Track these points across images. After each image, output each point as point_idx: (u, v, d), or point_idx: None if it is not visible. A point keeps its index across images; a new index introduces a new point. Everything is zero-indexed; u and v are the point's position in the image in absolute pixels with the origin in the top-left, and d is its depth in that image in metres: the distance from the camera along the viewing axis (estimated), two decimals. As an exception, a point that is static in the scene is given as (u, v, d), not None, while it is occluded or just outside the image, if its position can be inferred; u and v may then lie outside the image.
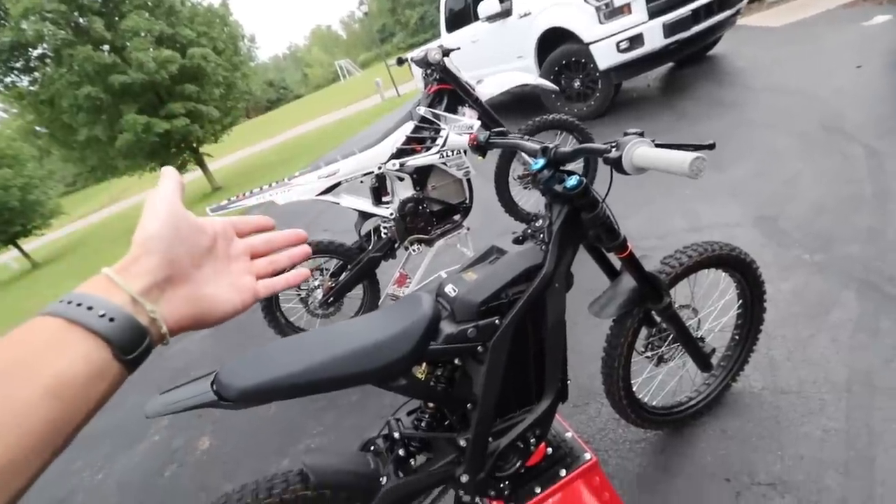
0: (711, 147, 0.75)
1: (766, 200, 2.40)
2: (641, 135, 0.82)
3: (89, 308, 0.33)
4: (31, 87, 10.00)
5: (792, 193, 2.38)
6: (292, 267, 0.50)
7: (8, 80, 9.97)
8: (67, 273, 9.37)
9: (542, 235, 1.04)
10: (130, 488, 2.23)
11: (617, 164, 0.82)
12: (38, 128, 11.04)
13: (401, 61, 2.73)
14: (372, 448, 1.12)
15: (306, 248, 0.51)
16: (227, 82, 11.27)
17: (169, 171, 0.44)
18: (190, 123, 10.30)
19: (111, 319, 0.34)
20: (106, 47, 9.78)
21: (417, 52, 2.42)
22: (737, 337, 1.47)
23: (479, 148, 1.20)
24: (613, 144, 0.84)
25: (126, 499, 2.17)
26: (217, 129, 11.51)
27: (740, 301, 1.43)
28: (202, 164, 11.86)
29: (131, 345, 0.34)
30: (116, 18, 9.77)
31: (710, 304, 1.50)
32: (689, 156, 0.72)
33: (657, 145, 0.80)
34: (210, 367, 0.92)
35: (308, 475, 0.97)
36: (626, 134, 0.84)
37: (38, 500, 2.44)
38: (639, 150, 0.79)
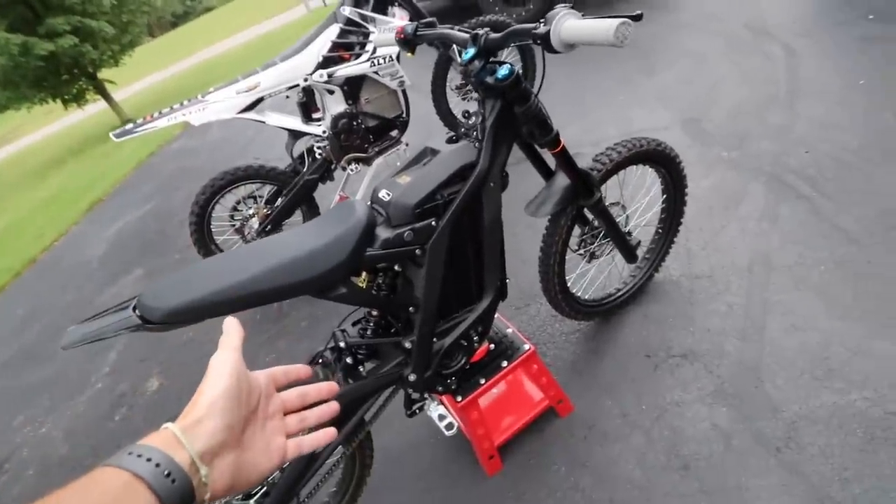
0: (638, 18, 0.73)
1: (692, 104, 2.49)
2: (571, 7, 0.79)
3: (157, 465, 0.34)
4: None
5: (716, 96, 2.47)
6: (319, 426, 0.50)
7: None
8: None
9: (475, 133, 1.02)
10: (79, 435, 2.19)
11: (546, 41, 0.79)
12: None
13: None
14: (320, 361, 1.14)
15: (334, 406, 0.52)
16: (117, -10, 9.54)
17: (232, 325, 0.46)
18: (80, 43, 8.77)
19: (173, 481, 0.34)
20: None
21: (337, -56, 2.14)
22: (660, 230, 1.58)
23: (407, 42, 1.12)
24: (542, 21, 0.81)
25: (76, 446, 2.14)
26: (115, 50, 9.88)
27: (664, 196, 1.52)
28: (104, 94, 10.35)
29: (174, 493, 0.34)
30: None
31: (637, 201, 1.59)
32: (615, 22, 0.70)
33: (584, 18, 0.77)
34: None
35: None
36: (554, 8, 0.80)
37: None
38: (566, 23, 0.76)
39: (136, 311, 0.78)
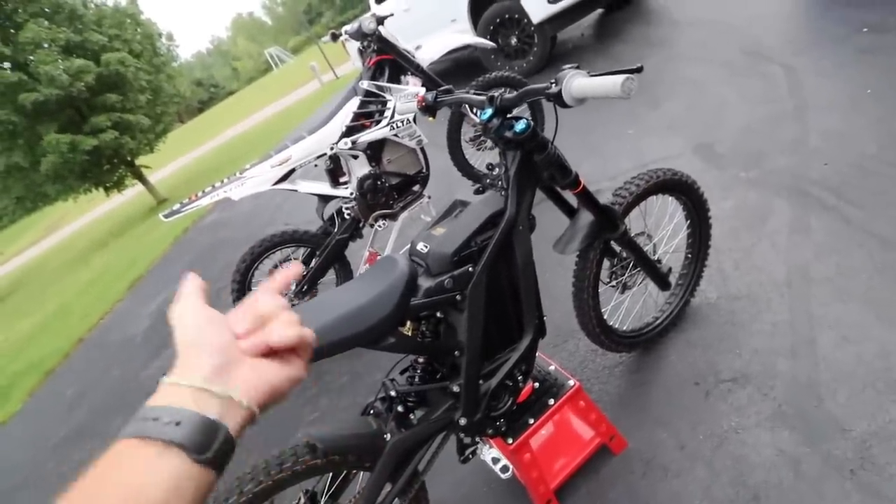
0: (639, 70, 0.81)
1: (701, 129, 2.55)
2: (577, 67, 0.88)
3: (155, 419, 0.34)
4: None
5: (723, 119, 2.54)
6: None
7: None
8: (14, 314, 8.77)
9: (500, 183, 1.10)
10: None
11: (558, 98, 0.88)
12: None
13: (335, 37, 2.66)
14: (372, 411, 1.17)
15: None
16: (151, 87, 10.53)
17: (189, 277, 0.45)
18: (119, 136, 9.61)
19: (177, 423, 0.33)
20: (7, 65, 8.91)
21: (350, 26, 2.37)
22: (689, 255, 1.60)
23: (428, 108, 1.23)
24: (553, 81, 0.89)
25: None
26: (150, 138, 10.80)
27: (688, 221, 1.55)
28: (141, 178, 11.18)
29: (204, 442, 0.33)
30: (12, 31, 8.88)
31: (662, 229, 1.62)
32: (620, 78, 0.78)
33: (591, 75, 0.86)
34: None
35: (315, 445, 1.01)
36: (562, 69, 0.89)
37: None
38: (576, 82, 0.85)
39: None
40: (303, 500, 1.11)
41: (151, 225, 8.65)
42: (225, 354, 0.38)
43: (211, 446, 0.34)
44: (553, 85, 0.88)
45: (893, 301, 1.36)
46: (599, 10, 5.29)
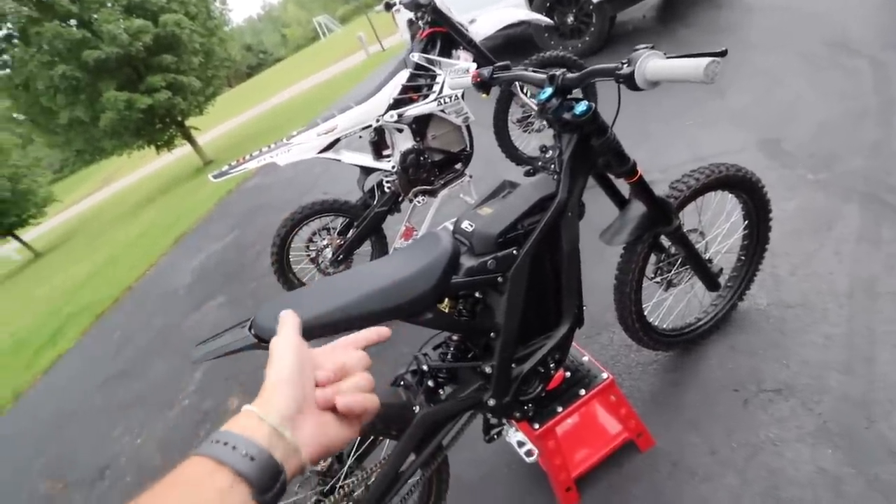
0: (723, 54, 0.75)
1: (769, 123, 2.38)
2: (652, 48, 0.82)
3: (234, 448, 0.36)
4: (3, 72, 9.62)
5: (795, 114, 2.35)
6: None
7: (-24, 65, 9.60)
8: (70, 259, 9.42)
9: (553, 166, 1.06)
10: (169, 448, 2.37)
11: (629, 81, 0.82)
12: (16, 115, 10.73)
13: (388, 6, 2.62)
14: (402, 383, 1.18)
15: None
16: (204, 49, 10.79)
17: (287, 316, 0.50)
18: (172, 96, 9.96)
19: (251, 458, 0.36)
20: (73, 22, 9.31)
21: (405, -5, 2.32)
22: (743, 257, 1.51)
23: (483, 84, 1.19)
24: (624, 62, 0.84)
25: (167, 457, 2.31)
26: (201, 101, 11.15)
27: (746, 221, 1.46)
28: (190, 139, 11.60)
29: (268, 483, 0.36)
30: (80, -11, 9.24)
31: (717, 227, 1.54)
32: (704, 60, 0.72)
33: (668, 57, 0.80)
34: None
35: (346, 408, 1.03)
36: (636, 49, 0.83)
37: (83, 468, 2.60)
38: (651, 62, 0.79)
39: (252, 331, 0.87)
40: (329, 459, 1.14)
41: (197, 185, 9.00)
42: (301, 401, 0.41)
43: (272, 489, 0.36)
44: (625, 65, 0.83)
45: (969, 325, 1.25)
46: (664, -9, 4.97)
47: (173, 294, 4.37)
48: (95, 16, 9.16)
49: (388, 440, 1.18)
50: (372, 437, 1.16)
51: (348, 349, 0.49)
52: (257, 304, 3.24)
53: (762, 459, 1.21)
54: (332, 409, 0.43)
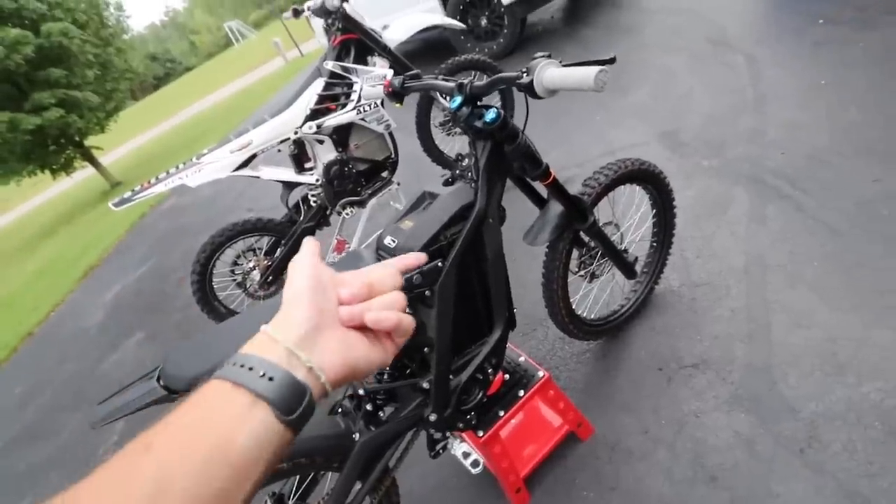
0: (612, 61, 0.79)
1: (666, 117, 2.59)
2: (549, 57, 0.85)
3: (251, 369, 0.34)
4: None
5: (687, 107, 2.58)
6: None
7: None
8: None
9: (469, 174, 1.07)
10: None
11: (529, 89, 0.85)
12: None
13: (297, 13, 2.53)
14: (339, 410, 1.14)
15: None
16: (100, 61, 9.80)
17: (309, 241, 0.46)
18: (66, 114, 8.94)
19: (270, 379, 0.34)
20: (-71, 33, 8.07)
21: (314, 1, 2.25)
22: (654, 244, 1.63)
23: (395, 94, 1.18)
24: (524, 70, 0.86)
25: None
26: (101, 117, 10.09)
27: (654, 211, 1.57)
28: (92, 160, 10.49)
29: (292, 403, 0.34)
30: (-66, -5, 8.03)
31: (629, 218, 1.64)
32: (593, 70, 0.76)
33: (564, 65, 0.83)
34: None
35: (279, 447, 0.98)
36: (534, 58, 0.86)
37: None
38: (548, 72, 0.82)
39: (161, 382, 0.80)
40: (269, 503, 1.08)
41: (104, 210, 8.16)
42: (323, 316, 0.39)
43: (297, 409, 0.34)
44: (525, 75, 0.85)
45: (839, 287, 1.44)
46: (569, -7, 5.26)
47: (84, 335, 3.93)
48: (-42, 26, 8.00)
49: (330, 473, 1.13)
50: (313, 474, 1.11)
51: (383, 269, 0.45)
52: (184, 337, 3.00)
53: (688, 432, 1.30)
54: (360, 328, 0.40)
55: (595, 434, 1.41)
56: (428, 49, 6.17)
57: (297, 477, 1.08)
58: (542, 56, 0.86)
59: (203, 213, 4.98)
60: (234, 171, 2.05)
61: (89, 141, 10.34)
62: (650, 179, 1.46)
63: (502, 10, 4.23)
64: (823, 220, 1.64)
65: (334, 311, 0.40)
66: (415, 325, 0.43)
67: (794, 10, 2.98)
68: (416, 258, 0.51)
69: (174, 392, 0.78)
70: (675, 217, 1.60)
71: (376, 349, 0.41)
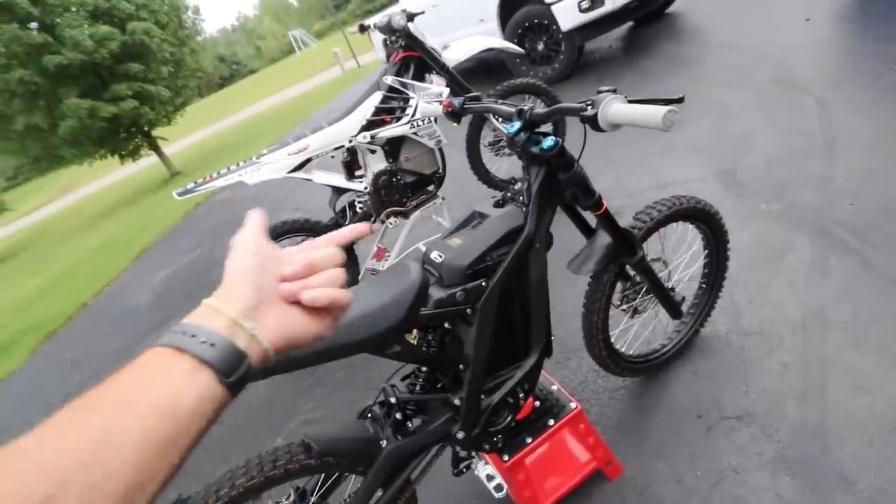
0: (680, 101, 0.78)
1: (725, 155, 2.50)
2: (614, 91, 0.85)
3: (193, 336, 0.37)
4: (-45, 74, 9.12)
5: (748, 147, 2.49)
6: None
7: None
8: (22, 271, 8.87)
9: (521, 198, 1.07)
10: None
11: (593, 122, 0.85)
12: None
13: (363, 28, 2.64)
14: (370, 415, 1.16)
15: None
16: (174, 59, 10.57)
17: (253, 214, 0.48)
18: (139, 105, 9.67)
19: (212, 345, 0.37)
20: (34, 25, 8.96)
21: (380, 18, 2.35)
22: (704, 285, 1.57)
23: (454, 114, 1.21)
24: (588, 103, 0.87)
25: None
26: (169, 111, 10.86)
27: (706, 251, 1.52)
28: (157, 149, 11.25)
29: (231, 367, 0.37)
30: (41, -8, 8.93)
31: (679, 256, 1.59)
32: (662, 109, 0.75)
33: (630, 101, 0.83)
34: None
35: (310, 445, 1.00)
36: (599, 92, 0.86)
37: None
38: (613, 107, 0.82)
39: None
40: (292, 497, 1.10)
41: (163, 196, 8.69)
42: (263, 293, 0.41)
43: (235, 372, 0.37)
44: (589, 107, 0.86)
45: (910, 353, 1.33)
46: (629, 24, 5.22)
47: (133, 312, 4.17)
48: (58, 20, 8.84)
49: (353, 475, 1.14)
50: (337, 474, 1.12)
51: (323, 247, 0.47)
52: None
53: (725, 487, 1.23)
54: (300, 303, 0.43)
55: (624, 475, 1.35)
56: (482, 68, 6.27)
57: (323, 476, 1.09)
58: (608, 90, 0.86)
59: (251, 209, 5.21)
60: (290, 172, 2.14)
61: (156, 131, 11.11)
62: (705, 219, 1.41)
63: (560, 36, 4.25)
64: (894, 278, 1.53)
65: (275, 288, 0.42)
66: (352, 299, 0.45)
67: (869, 54, 2.84)
68: (357, 232, 0.52)
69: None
70: (728, 259, 1.54)
71: (315, 322, 0.43)
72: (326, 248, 0.47)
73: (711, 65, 3.67)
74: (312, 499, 1.10)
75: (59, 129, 9.09)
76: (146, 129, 10.68)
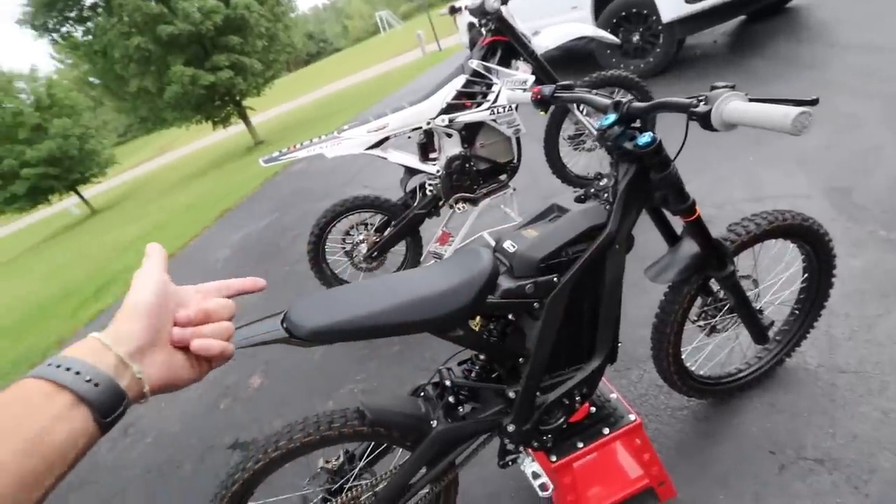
0: (814, 103, 0.69)
1: (840, 171, 2.22)
2: (733, 88, 0.77)
3: (77, 373, 0.36)
4: (85, 38, 10.29)
5: (870, 164, 2.19)
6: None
7: (63, 29, 10.30)
8: (122, 220, 9.97)
9: (605, 195, 1.02)
10: (189, 417, 2.45)
11: (704, 120, 0.77)
12: (91, 79, 11.45)
13: (453, 10, 2.61)
14: (423, 394, 1.17)
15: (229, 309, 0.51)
16: (269, 34, 11.19)
17: (154, 248, 0.49)
18: (234, 76, 10.39)
19: (96, 385, 0.37)
20: (153, -3, 9.86)
21: (472, 0, 2.31)
22: (797, 311, 1.41)
23: (543, 102, 1.16)
24: (701, 98, 0.79)
25: (186, 425, 2.39)
26: (259, 83, 11.56)
27: (806, 275, 1.36)
28: (245, 118, 12.05)
29: (110, 409, 0.37)
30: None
31: (773, 277, 1.44)
32: (793, 110, 0.66)
33: (751, 100, 0.74)
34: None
35: (365, 413, 1.03)
36: (713, 87, 0.78)
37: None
38: (732, 104, 0.74)
39: (284, 325, 0.88)
40: (342, 459, 1.14)
41: (247, 163, 9.33)
42: (155, 334, 0.42)
43: (114, 413, 0.37)
44: (702, 103, 0.78)
45: None
46: (741, 18, 4.75)
47: (212, 265, 4.54)
48: (173, -7, 9.65)
49: (401, 450, 1.16)
50: (385, 444, 1.15)
51: (216, 295, 0.49)
52: (286, 288, 3.31)
53: (794, 533, 1.12)
54: (185, 349, 0.44)
55: (676, 499, 1.27)
56: (566, 58, 6.04)
57: (373, 444, 1.13)
58: (726, 86, 0.78)
59: (324, 182, 5.44)
60: (367, 149, 2.19)
61: (246, 101, 11.89)
62: (812, 239, 1.26)
63: (660, 28, 3.96)
64: None
65: (168, 331, 0.43)
66: (233, 353, 0.46)
67: None
68: (251, 284, 0.53)
69: (295, 337, 0.85)
70: (831, 287, 1.37)
71: (195, 369, 0.45)
72: (222, 299, 0.49)
73: (836, 69, 3.26)
74: (360, 463, 1.14)
75: (165, 93, 10.00)
76: (238, 98, 11.46)
